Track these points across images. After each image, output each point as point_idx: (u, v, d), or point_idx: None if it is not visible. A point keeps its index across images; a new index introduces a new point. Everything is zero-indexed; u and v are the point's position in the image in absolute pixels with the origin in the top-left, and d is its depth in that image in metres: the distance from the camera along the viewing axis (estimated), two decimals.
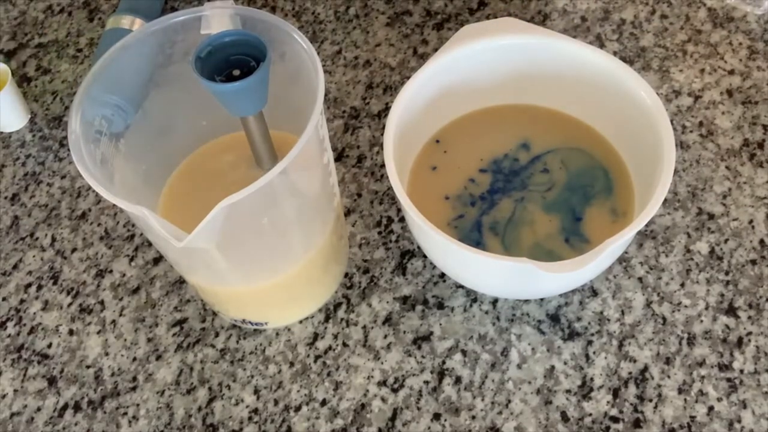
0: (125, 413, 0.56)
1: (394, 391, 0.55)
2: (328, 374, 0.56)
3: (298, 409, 0.55)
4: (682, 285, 0.57)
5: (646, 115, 0.53)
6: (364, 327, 0.58)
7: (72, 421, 0.56)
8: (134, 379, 0.57)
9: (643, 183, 0.54)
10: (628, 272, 0.58)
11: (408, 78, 0.56)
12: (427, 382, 0.55)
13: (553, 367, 0.54)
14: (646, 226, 0.59)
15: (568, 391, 0.53)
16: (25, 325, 0.61)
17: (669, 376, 0.53)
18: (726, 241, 0.59)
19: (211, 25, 0.47)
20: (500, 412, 0.53)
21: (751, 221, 0.59)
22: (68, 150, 0.63)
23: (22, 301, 0.63)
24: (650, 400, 0.52)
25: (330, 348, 0.57)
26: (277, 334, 0.58)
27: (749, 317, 0.55)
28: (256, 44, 0.44)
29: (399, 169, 0.52)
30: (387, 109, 0.68)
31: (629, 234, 0.47)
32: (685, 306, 0.56)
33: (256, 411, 0.55)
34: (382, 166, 0.66)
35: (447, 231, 0.51)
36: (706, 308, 0.56)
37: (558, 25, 0.73)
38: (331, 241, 0.55)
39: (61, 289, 0.63)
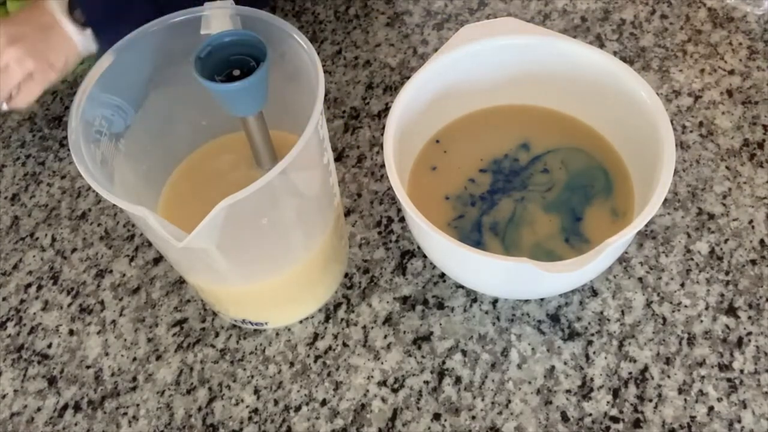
0: (125, 413, 0.56)
1: (394, 391, 0.55)
2: (328, 374, 0.56)
3: (298, 409, 0.55)
4: (682, 285, 0.57)
5: (646, 115, 0.53)
6: (364, 327, 0.58)
7: (72, 421, 0.56)
8: (134, 379, 0.57)
9: (643, 183, 0.54)
10: (628, 272, 0.58)
11: (408, 78, 0.56)
12: (427, 382, 0.55)
13: (553, 367, 0.54)
14: (646, 226, 0.59)
15: (568, 391, 0.53)
16: (25, 325, 0.61)
17: (669, 376, 0.53)
18: (726, 241, 0.59)
19: (211, 25, 0.47)
20: (500, 412, 0.53)
21: (751, 221, 0.59)
22: (68, 150, 0.63)
23: (22, 301, 0.63)
24: (650, 400, 0.52)
25: (330, 348, 0.57)
26: (277, 334, 0.58)
27: (749, 317, 0.55)
28: (256, 44, 0.44)
29: (399, 169, 0.52)
30: (387, 109, 0.68)
31: (629, 234, 0.47)
32: (685, 306, 0.56)
33: (256, 411, 0.55)
34: (382, 166, 0.66)
35: (447, 231, 0.51)
36: (706, 308, 0.56)
37: (558, 25, 0.73)
38: (331, 241, 0.55)
39: (61, 289, 0.63)
